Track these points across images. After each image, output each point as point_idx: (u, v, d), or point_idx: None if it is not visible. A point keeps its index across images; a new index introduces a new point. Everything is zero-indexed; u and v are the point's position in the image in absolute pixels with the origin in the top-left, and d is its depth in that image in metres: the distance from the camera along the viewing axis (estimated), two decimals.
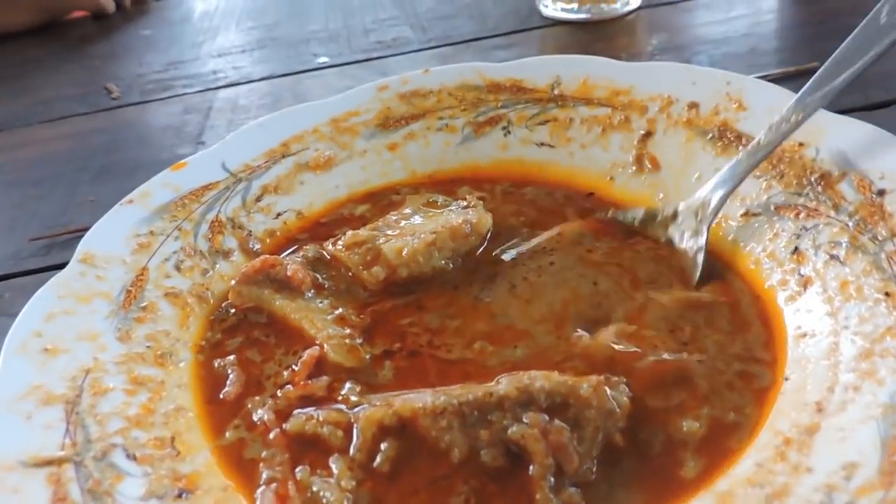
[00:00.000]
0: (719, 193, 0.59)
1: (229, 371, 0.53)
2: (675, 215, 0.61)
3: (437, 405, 0.44)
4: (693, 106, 0.67)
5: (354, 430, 0.46)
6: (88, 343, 0.51)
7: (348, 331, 0.55)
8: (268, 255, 0.60)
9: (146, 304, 0.56)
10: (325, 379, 0.51)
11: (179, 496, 0.42)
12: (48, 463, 0.42)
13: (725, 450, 0.44)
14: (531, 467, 0.42)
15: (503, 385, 0.44)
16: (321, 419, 0.47)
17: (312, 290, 0.58)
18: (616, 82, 0.72)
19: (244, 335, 0.57)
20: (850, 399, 0.43)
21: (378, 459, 0.44)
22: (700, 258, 0.58)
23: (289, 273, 0.57)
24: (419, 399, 0.45)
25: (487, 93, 0.76)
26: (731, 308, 0.54)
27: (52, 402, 0.46)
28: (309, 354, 0.53)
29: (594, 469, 0.43)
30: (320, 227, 0.68)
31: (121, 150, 1.00)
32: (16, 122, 1.11)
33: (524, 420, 0.42)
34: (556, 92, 0.74)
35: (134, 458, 0.44)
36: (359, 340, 0.55)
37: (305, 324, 0.56)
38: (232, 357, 0.54)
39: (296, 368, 0.53)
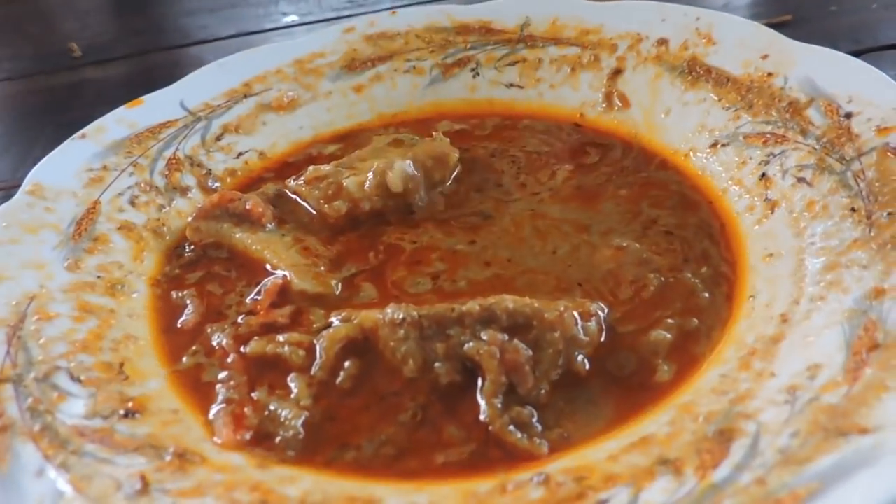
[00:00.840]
0: None
1: (187, 301, 0.51)
2: None
3: (395, 317, 0.42)
4: (662, 42, 0.66)
5: (317, 349, 0.44)
6: (34, 271, 0.49)
7: (313, 260, 0.54)
8: (226, 190, 0.58)
9: (98, 236, 0.54)
10: (288, 308, 0.50)
11: (126, 416, 0.40)
12: None
13: (693, 359, 0.43)
14: (483, 383, 0.41)
15: (468, 303, 0.43)
16: (282, 340, 0.45)
17: (273, 223, 0.56)
18: (585, 21, 0.70)
19: (204, 270, 0.55)
20: (815, 308, 0.42)
21: (340, 377, 0.43)
22: None
23: (248, 206, 0.56)
24: (381, 311, 0.43)
25: (456, 34, 0.74)
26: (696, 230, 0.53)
27: None
28: (272, 282, 0.51)
29: (548, 392, 0.41)
30: (287, 168, 0.66)
31: (81, 107, 0.97)
32: None
33: (482, 337, 0.41)
34: (524, 33, 0.72)
35: (79, 380, 0.42)
36: (323, 268, 0.53)
37: (267, 254, 0.54)
38: (191, 289, 0.53)
39: (258, 298, 0.51)
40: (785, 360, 0.40)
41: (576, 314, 0.44)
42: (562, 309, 0.43)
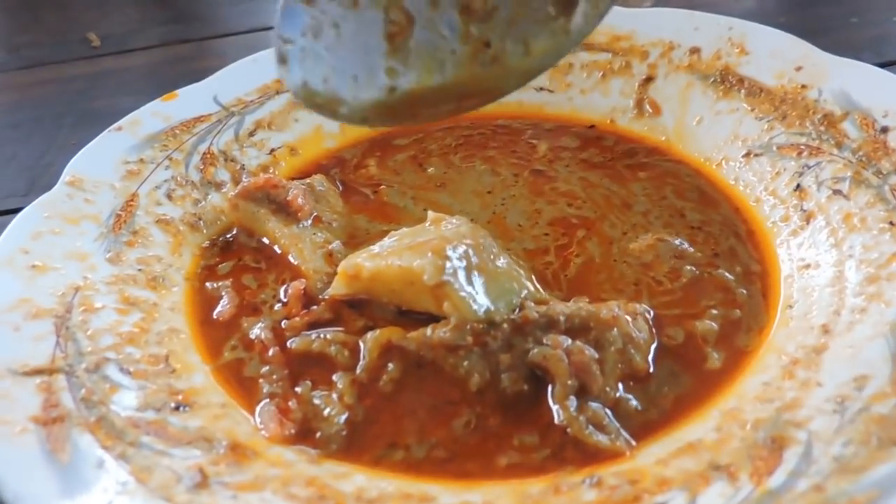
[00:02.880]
0: None
1: (222, 293, 0.52)
2: None
3: (446, 336, 0.42)
4: (695, 51, 0.67)
5: (361, 350, 0.45)
6: (77, 262, 0.49)
7: (332, 269, 0.53)
8: (272, 175, 0.58)
9: (137, 229, 0.54)
10: (324, 306, 0.50)
11: (177, 409, 0.41)
12: (38, 372, 0.40)
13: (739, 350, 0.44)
14: (552, 388, 0.41)
15: (520, 313, 0.43)
16: (329, 338, 0.46)
17: (309, 221, 0.56)
18: (617, 27, 0.71)
19: (236, 258, 0.55)
20: (857, 320, 0.43)
21: (383, 380, 0.43)
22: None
23: (289, 197, 0.56)
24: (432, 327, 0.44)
25: None
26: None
27: (40, 316, 0.44)
28: (294, 287, 0.51)
29: (618, 391, 0.42)
30: (317, 167, 0.66)
31: (102, 97, 0.97)
32: None
33: (545, 342, 0.42)
34: None
35: (128, 372, 0.43)
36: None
37: (293, 251, 0.54)
38: (225, 280, 0.53)
39: (283, 300, 0.51)
40: (830, 371, 0.40)
41: (627, 315, 0.44)
42: (616, 310, 0.44)
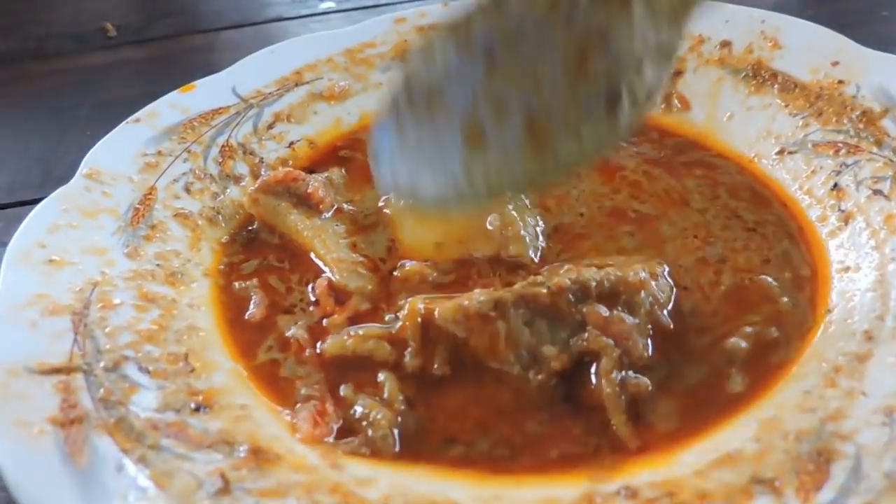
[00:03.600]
0: None
1: (252, 293, 0.51)
2: None
3: (482, 307, 0.41)
4: (725, 45, 0.65)
5: (407, 340, 0.44)
6: (95, 257, 0.48)
7: (359, 257, 0.52)
8: (291, 169, 0.57)
9: (155, 224, 0.53)
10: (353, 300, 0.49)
11: (197, 410, 0.40)
12: (56, 371, 0.39)
13: (769, 369, 0.42)
14: (597, 364, 0.41)
15: (552, 277, 0.43)
16: (362, 334, 0.44)
17: (331, 212, 0.55)
18: None
19: (260, 257, 0.54)
20: None
21: (436, 362, 0.43)
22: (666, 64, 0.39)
23: (309, 189, 0.55)
24: (464, 300, 0.42)
25: None
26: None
27: (58, 313, 0.43)
28: (320, 285, 0.50)
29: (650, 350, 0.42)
30: (337, 160, 0.65)
31: (118, 88, 0.96)
32: (9, 58, 1.06)
33: (583, 310, 0.41)
34: None
35: (147, 371, 0.41)
36: (364, 267, 0.52)
37: (317, 242, 0.53)
38: (254, 279, 0.52)
39: (313, 300, 0.50)
40: (874, 380, 0.39)
41: (649, 274, 0.44)
42: (640, 272, 0.44)
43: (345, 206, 0.57)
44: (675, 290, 0.45)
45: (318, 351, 0.45)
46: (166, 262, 0.51)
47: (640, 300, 0.42)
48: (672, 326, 0.44)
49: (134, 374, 0.41)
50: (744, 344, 0.43)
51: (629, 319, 0.41)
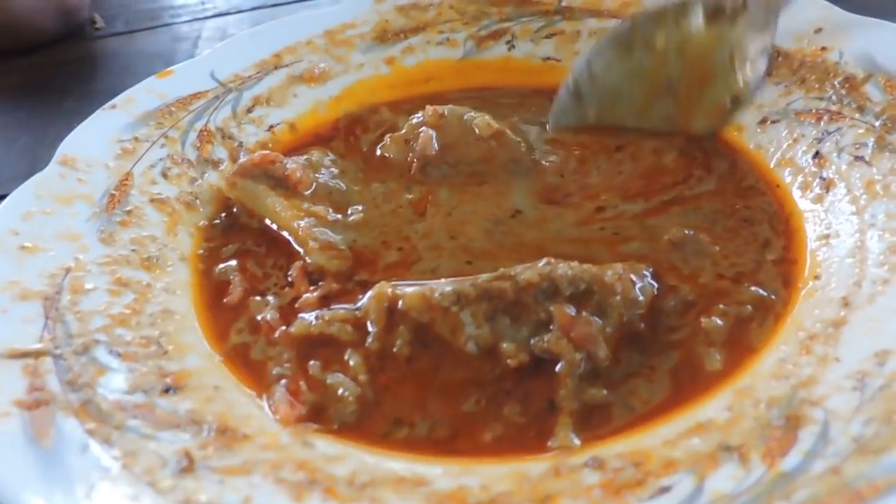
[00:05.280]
0: None
1: (230, 276, 0.51)
2: (744, 4, 0.57)
3: (444, 301, 0.41)
4: None
5: (368, 324, 0.43)
6: (69, 243, 0.48)
7: (336, 237, 0.52)
8: (269, 151, 0.57)
9: (131, 209, 0.53)
10: (330, 281, 0.49)
11: (166, 391, 0.40)
12: (24, 355, 0.39)
13: (747, 348, 0.42)
14: (559, 365, 0.40)
15: (521, 270, 0.42)
16: (327, 318, 0.44)
17: (310, 192, 0.55)
18: None
19: (239, 241, 0.54)
20: (879, 292, 0.40)
21: (397, 345, 0.42)
22: (764, 61, 0.55)
23: (287, 171, 0.54)
24: (426, 290, 0.42)
25: (490, 5, 0.72)
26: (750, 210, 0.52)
27: (29, 298, 0.43)
28: (296, 267, 0.50)
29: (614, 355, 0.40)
30: (318, 141, 0.64)
31: (105, 78, 0.96)
32: None
33: (550, 309, 0.40)
34: (562, 4, 0.70)
35: (118, 354, 0.41)
36: (343, 245, 0.52)
37: (293, 224, 0.53)
38: (233, 263, 0.52)
39: (290, 281, 0.50)
40: (849, 345, 0.38)
41: (632, 276, 0.43)
42: (620, 272, 0.42)
43: (331, 182, 0.57)
44: (656, 289, 0.44)
45: (287, 330, 0.45)
46: (142, 248, 0.50)
47: (613, 302, 0.41)
48: (645, 329, 0.42)
49: (104, 358, 0.41)
50: (720, 322, 0.43)
51: (596, 322, 0.40)
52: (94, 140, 0.57)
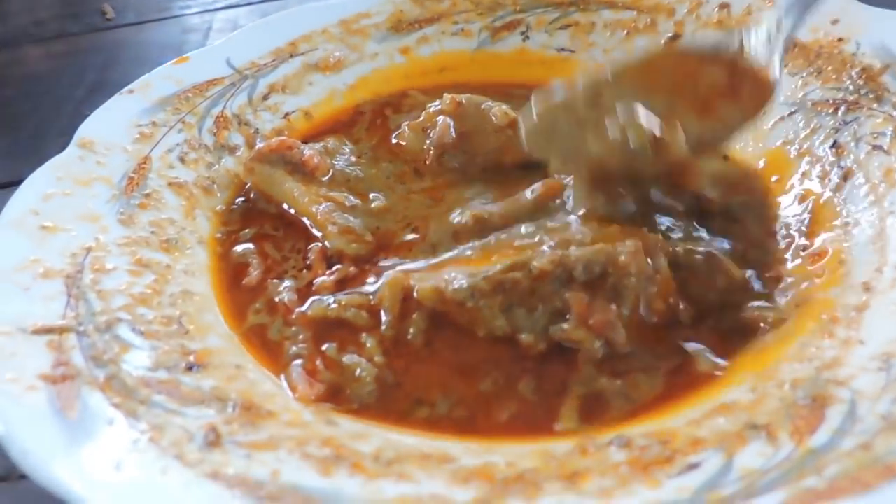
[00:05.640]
0: (790, 19, 0.51)
1: (249, 259, 0.51)
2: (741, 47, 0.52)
3: (458, 293, 0.41)
4: (724, 6, 0.64)
5: (382, 312, 0.44)
6: (89, 224, 0.48)
7: (353, 222, 0.52)
8: (286, 137, 0.57)
9: (149, 192, 0.53)
10: (348, 265, 0.49)
11: (189, 369, 0.40)
12: (48, 331, 0.39)
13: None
14: (581, 352, 0.41)
15: (536, 258, 0.42)
16: (343, 303, 0.45)
17: (327, 178, 0.55)
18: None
19: (257, 225, 0.54)
20: None
21: (411, 332, 0.43)
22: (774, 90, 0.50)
23: (304, 157, 0.54)
24: (441, 282, 0.42)
25: None
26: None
27: (51, 276, 0.43)
28: (316, 250, 0.51)
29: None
30: (333, 130, 0.64)
31: (116, 68, 0.96)
32: (7, 42, 1.06)
33: (565, 296, 0.40)
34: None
35: (140, 332, 0.41)
36: (363, 228, 0.52)
37: (312, 209, 0.53)
38: (251, 246, 0.52)
39: (307, 264, 0.50)
40: (872, 328, 0.38)
41: (646, 257, 0.43)
42: (632, 248, 0.42)
43: (348, 169, 0.57)
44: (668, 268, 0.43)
45: (303, 311, 0.45)
46: (161, 230, 0.51)
47: (628, 284, 0.41)
48: (661, 313, 0.42)
49: (127, 335, 0.41)
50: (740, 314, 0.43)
51: (612, 308, 0.40)
52: (113, 124, 0.57)
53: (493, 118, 0.58)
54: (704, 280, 0.44)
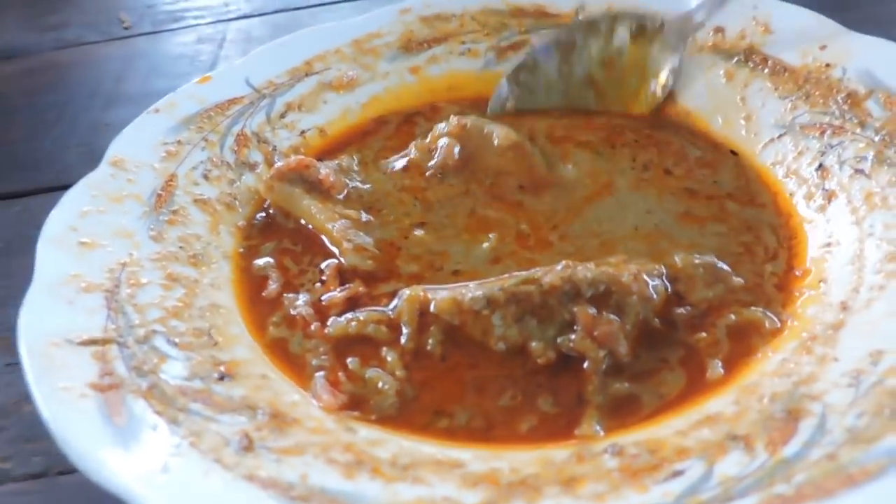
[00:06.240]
0: (703, 12, 0.65)
1: (269, 272, 0.54)
2: (661, 27, 0.66)
3: (475, 304, 0.45)
4: (718, 30, 0.67)
5: (402, 325, 0.47)
6: (123, 240, 0.52)
7: (367, 239, 0.56)
8: (303, 156, 0.61)
9: (177, 209, 0.57)
10: (358, 283, 0.52)
11: (221, 379, 0.43)
12: (93, 342, 0.43)
13: (750, 349, 0.45)
14: (585, 363, 0.44)
15: (547, 275, 0.45)
16: (363, 319, 0.48)
17: (342, 196, 0.59)
18: (641, 7, 0.71)
19: (275, 239, 0.58)
20: (875, 297, 0.44)
21: (430, 343, 0.46)
22: (671, 77, 0.65)
23: (321, 176, 0.58)
24: (457, 294, 0.46)
25: (510, 17, 0.75)
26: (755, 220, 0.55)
27: (91, 290, 0.47)
28: (331, 266, 0.54)
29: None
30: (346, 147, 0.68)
31: (133, 77, 0.99)
32: (29, 49, 1.09)
33: (573, 310, 0.44)
34: (579, 17, 0.73)
35: (175, 343, 0.45)
36: (375, 247, 0.55)
37: (328, 226, 0.56)
38: (271, 260, 0.56)
39: (324, 279, 0.53)
40: (846, 346, 0.42)
41: (645, 276, 0.47)
42: (634, 271, 0.46)
43: (362, 186, 0.61)
44: (668, 289, 0.47)
45: (323, 327, 0.49)
46: (188, 245, 0.54)
47: (630, 302, 0.45)
48: (659, 326, 0.46)
49: (163, 347, 0.45)
50: (728, 326, 0.46)
51: (616, 320, 0.44)
52: (141, 142, 0.60)
53: (496, 140, 0.61)
54: (703, 286, 0.48)
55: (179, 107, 0.65)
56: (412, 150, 0.64)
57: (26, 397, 0.40)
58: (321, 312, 0.50)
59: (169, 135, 0.62)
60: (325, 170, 0.60)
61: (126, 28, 1.12)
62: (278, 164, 0.61)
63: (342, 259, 0.55)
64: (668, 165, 0.62)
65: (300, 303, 0.51)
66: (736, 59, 0.65)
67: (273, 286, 0.53)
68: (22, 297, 0.45)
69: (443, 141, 0.62)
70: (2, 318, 0.53)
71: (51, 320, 0.44)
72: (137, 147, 0.60)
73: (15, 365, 0.43)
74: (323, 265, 0.55)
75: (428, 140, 0.64)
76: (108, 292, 0.47)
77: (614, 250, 0.52)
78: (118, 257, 0.50)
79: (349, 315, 0.49)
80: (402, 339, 0.46)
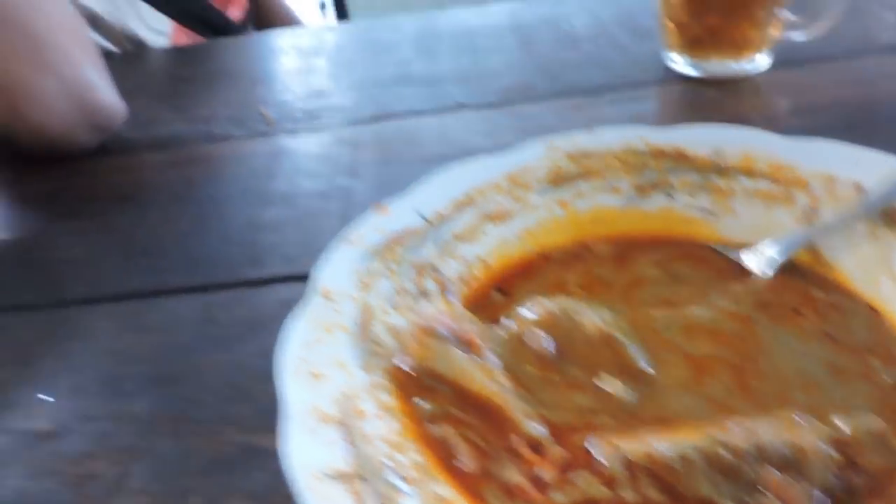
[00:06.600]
0: None
1: (452, 441, 0.56)
2: None
3: (675, 454, 0.51)
4: (858, 187, 0.73)
5: (618, 480, 0.51)
6: (340, 370, 0.59)
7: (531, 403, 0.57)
8: (452, 312, 0.64)
9: (375, 339, 0.64)
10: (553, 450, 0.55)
11: None
12: (343, 476, 0.50)
13: None
14: None
15: (736, 437, 0.51)
16: (582, 485, 0.52)
17: (495, 356, 0.61)
18: (778, 157, 0.78)
19: (436, 403, 0.59)
20: None
21: (650, 492, 0.51)
22: None
23: (468, 336, 0.61)
24: (664, 449, 0.52)
25: (651, 158, 0.83)
26: None
27: (328, 421, 0.54)
28: (515, 441, 0.55)
29: None
30: (512, 278, 0.74)
31: (280, 175, 1.09)
32: (183, 140, 1.21)
33: (759, 471, 0.49)
34: (717, 162, 0.81)
35: (402, 478, 0.52)
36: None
37: (495, 389, 0.58)
38: (445, 425, 0.57)
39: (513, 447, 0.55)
40: None
41: (822, 443, 0.51)
42: (813, 441, 0.51)
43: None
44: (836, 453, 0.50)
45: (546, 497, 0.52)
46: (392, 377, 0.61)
47: (812, 465, 0.49)
48: (841, 493, 0.49)
49: (395, 481, 0.51)
50: None
51: (802, 485, 0.49)
52: (340, 272, 0.68)
53: (584, 331, 0.61)
54: (872, 452, 0.52)
55: (366, 237, 0.73)
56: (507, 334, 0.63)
57: None
58: (537, 482, 0.52)
59: (361, 264, 0.70)
60: (471, 332, 0.61)
61: (269, 124, 1.22)
62: (419, 321, 0.63)
63: (523, 427, 0.56)
64: (794, 304, 0.67)
65: (511, 472, 0.53)
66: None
67: (464, 458, 0.54)
68: None
69: (530, 330, 0.62)
70: None
71: (308, 453, 0.50)
72: (338, 277, 0.68)
73: None
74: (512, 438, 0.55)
75: (516, 327, 0.63)
76: (341, 424, 0.54)
77: (786, 398, 0.57)
78: (340, 388, 0.58)
79: (572, 481, 0.52)
80: (622, 491, 0.51)
